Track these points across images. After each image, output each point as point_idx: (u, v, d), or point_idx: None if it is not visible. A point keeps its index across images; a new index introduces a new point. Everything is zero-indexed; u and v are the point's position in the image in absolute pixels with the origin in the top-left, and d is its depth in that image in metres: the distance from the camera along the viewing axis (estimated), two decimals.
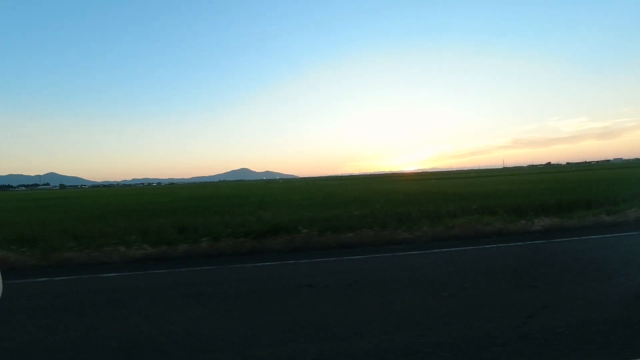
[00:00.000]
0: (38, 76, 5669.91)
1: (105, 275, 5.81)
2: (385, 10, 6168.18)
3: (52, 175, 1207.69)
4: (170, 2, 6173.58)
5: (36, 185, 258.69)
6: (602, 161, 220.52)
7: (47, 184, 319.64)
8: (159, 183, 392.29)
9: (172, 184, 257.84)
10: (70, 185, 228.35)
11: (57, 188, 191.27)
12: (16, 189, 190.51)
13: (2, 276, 0.97)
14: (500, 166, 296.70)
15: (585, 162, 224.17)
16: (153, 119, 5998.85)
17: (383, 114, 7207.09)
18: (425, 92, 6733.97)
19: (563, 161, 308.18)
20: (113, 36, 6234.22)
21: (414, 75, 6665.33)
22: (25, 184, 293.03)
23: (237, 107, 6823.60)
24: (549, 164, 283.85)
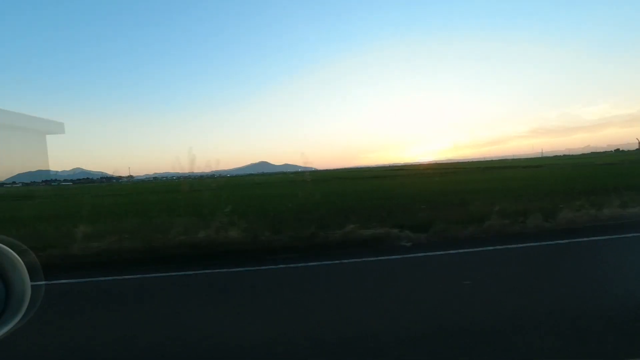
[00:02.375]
0: (55, 75, 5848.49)
1: None
2: None
3: (78, 170, 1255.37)
4: None
5: (87, 179, 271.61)
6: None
7: (86, 178, 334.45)
8: (188, 177, 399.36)
9: (216, 176, 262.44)
10: (113, 179, 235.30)
11: (105, 183, 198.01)
12: (63, 184, 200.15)
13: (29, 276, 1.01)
14: (522, 155, 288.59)
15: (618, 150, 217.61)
16: (170, 114, 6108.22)
17: (397, 105, 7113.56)
18: (440, 81, 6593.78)
19: (588, 150, 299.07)
20: (137, 34, 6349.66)
21: (428, 64, 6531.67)
22: (61, 179, 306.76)
23: (254, 101, 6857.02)
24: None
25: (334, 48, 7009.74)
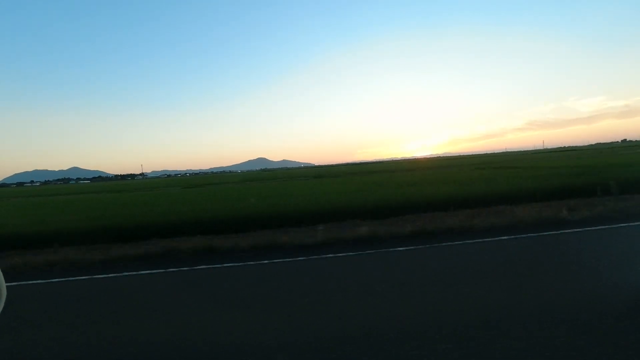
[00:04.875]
0: (51, 74, 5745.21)
1: None
2: None
3: (75, 169, 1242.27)
4: None
5: (100, 177, 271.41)
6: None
7: (99, 177, 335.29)
8: (187, 174, 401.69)
9: (224, 173, 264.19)
10: (126, 176, 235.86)
11: (119, 180, 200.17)
12: (78, 182, 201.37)
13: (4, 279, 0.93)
14: (523, 148, 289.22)
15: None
16: (167, 112, 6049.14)
17: (394, 100, 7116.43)
18: (437, 76, 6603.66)
19: (582, 142, 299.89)
20: (130, 30, 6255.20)
21: (425, 60, 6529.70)
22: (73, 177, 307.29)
23: (252, 97, 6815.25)
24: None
25: (331, 44, 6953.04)
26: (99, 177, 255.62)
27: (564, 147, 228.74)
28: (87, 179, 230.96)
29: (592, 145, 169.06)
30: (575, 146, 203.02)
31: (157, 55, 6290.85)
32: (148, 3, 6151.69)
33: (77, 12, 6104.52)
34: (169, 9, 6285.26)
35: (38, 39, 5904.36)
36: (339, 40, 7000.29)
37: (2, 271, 0.94)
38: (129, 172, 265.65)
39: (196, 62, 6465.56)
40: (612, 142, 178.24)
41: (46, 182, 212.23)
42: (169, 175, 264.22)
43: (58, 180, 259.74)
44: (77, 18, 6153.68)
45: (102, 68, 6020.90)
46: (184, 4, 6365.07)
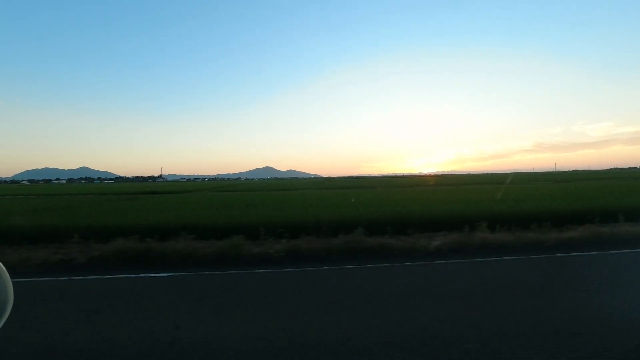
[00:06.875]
0: (61, 75, 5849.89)
1: None
2: (404, 11, 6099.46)
3: (84, 169, 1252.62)
4: (190, 1, 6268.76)
5: (120, 178, 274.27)
6: None
7: (120, 177, 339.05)
8: (205, 179, 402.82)
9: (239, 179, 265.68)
10: (147, 178, 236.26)
11: (140, 181, 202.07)
12: (102, 182, 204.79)
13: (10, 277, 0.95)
14: (536, 169, 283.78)
15: None
16: (176, 116, 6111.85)
17: (401, 116, 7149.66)
18: (444, 94, 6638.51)
19: (592, 167, 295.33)
20: (142, 36, 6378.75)
21: (433, 77, 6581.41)
22: (72, 177, 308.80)
23: (261, 106, 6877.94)
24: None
25: (340, 58, 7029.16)
26: (120, 177, 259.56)
27: (577, 170, 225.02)
28: (110, 179, 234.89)
29: (610, 170, 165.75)
30: (590, 170, 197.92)
31: (166, 63, 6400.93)
32: (164, 11, 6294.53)
33: (92, 14, 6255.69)
34: (186, 17, 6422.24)
35: (47, 41, 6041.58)
36: (349, 55, 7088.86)
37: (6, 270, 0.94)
38: (137, 175, 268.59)
39: (204, 69, 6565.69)
40: (630, 168, 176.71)
41: (70, 180, 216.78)
42: (189, 179, 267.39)
43: (82, 179, 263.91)
44: (92, 20, 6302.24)
45: (111, 72, 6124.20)
46: (199, 14, 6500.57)
